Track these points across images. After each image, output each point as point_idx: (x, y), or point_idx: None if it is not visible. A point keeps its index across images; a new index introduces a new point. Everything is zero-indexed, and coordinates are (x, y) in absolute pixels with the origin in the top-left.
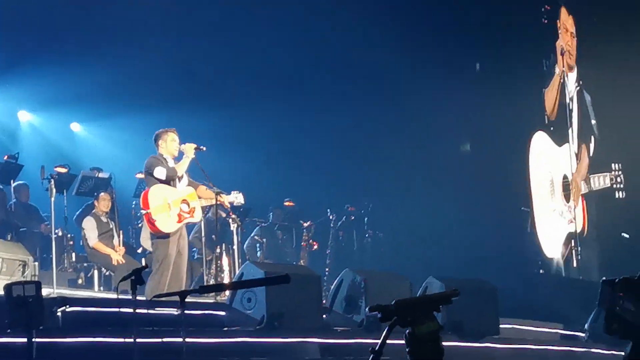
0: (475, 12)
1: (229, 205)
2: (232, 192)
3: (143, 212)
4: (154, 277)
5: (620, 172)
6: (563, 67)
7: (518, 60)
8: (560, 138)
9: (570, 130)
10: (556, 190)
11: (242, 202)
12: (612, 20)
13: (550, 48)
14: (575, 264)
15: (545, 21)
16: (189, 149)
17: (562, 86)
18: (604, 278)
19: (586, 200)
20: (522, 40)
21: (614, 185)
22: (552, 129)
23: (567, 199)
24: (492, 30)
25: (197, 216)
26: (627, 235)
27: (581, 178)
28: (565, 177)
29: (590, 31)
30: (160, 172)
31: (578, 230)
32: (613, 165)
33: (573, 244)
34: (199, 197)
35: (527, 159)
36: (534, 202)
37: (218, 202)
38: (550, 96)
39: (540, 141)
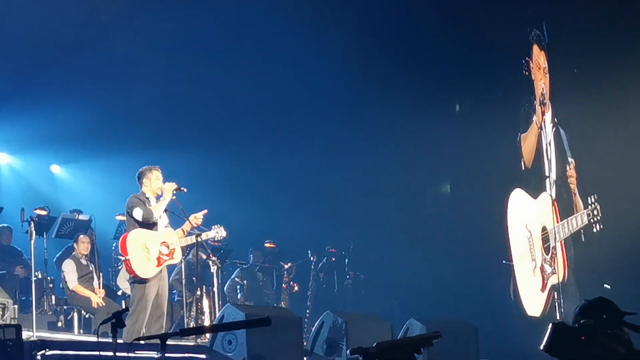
0: (456, 53)
1: (216, 237)
2: (213, 227)
3: (121, 258)
4: (130, 318)
5: (596, 204)
6: (543, 115)
7: (497, 107)
8: (537, 189)
9: (547, 179)
10: (536, 246)
11: (224, 235)
12: (584, 50)
13: (529, 99)
14: (558, 317)
15: (526, 73)
16: (168, 190)
17: (540, 135)
18: (554, 322)
19: (564, 242)
20: (502, 87)
21: (591, 220)
22: (528, 180)
23: (547, 251)
24: (472, 73)
25: (177, 257)
26: (608, 287)
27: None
28: (544, 228)
29: (562, 64)
30: (137, 213)
31: (560, 280)
32: (589, 198)
33: (556, 296)
34: (183, 233)
35: (505, 212)
36: (515, 267)
37: (198, 241)
38: (527, 143)
39: (516, 200)
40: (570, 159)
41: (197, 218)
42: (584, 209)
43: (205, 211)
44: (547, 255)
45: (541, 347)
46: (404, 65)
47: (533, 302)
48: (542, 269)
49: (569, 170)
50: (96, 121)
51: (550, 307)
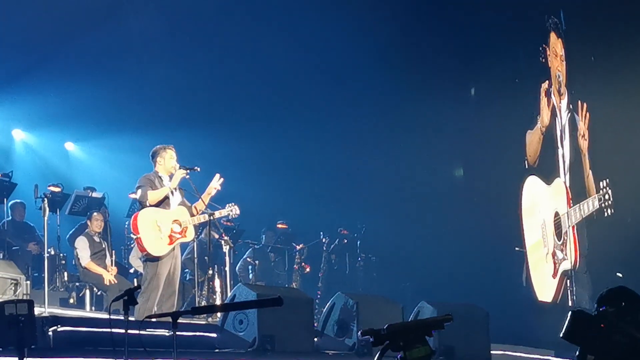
0: (472, 38)
1: (230, 215)
2: (227, 205)
3: (133, 236)
4: (142, 296)
5: (607, 188)
6: (559, 102)
7: (513, 92)
8: (550, 174)
9: (562, 163)
10: (548, 232)
11: (238, 213)
12: (601, 37)
13: (538, 91)
14: (570, 304)
15: (543, 60)
16: (176, 178)
17: (546, 135)
18: (574, 309)
19: (576, 228)
20: (519, 73)
21: (603, 204)
22: (542, 166)
23: (559, 236)
24: (489, 58)
25: (190, 235)
26: (620, 275)
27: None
28: (556, 214)
29: (579, 51)
30: (137, 193)
31: (572, 266)
32: (600, 183)
33: (568, 284)
34: (197, 211)
35: (519, 198)
36: (527, 253)
37: (211, 220)
38: (532, 141)
39: (530, 186)
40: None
41: (215, 188)
42: (596, 193)
43: (219, 176)
44: (559, 241)
45: (561, 335)
46: (420, 49)
47: (544, 287)
48: (553, 255)
49: (581, 137)
50: (111, 99)
51: (562, 294)
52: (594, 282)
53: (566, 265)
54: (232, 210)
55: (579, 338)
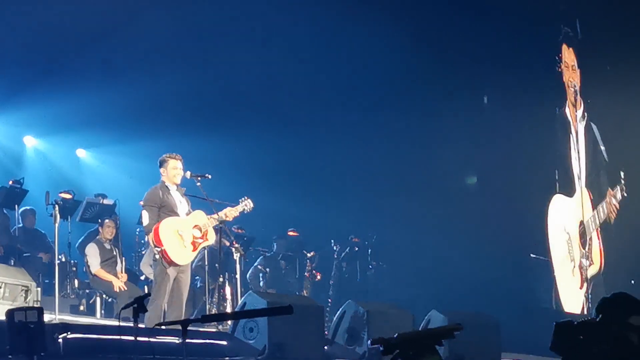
0: (486, 46)
1: (245, 210)
2: (240, 200)
3: (157, 249)
4: (152, 303)
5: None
6: (575, 111)
7: (527, 101)
8: (569, 187)
9: (577, 172)
10: (574, 244)
11: (252, 206)
12: (618, 45)
13: (561, 98)
14: (591, 312)
15: (560, 70)
16: None
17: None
18: (556, 321)
19: (600, 231)
20: (533, 81)
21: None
22: (560, 185)
23: (584, 244)
24: (502, 66)
25: (211, 238)
26: (634, 282)
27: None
28: (581, 222)
29: (595, 60)
30: (144, 218)
31: (597, 271)
32: (609, 190)
33: (590, 290)
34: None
35: (545, 219)
36: (555, 270)
37: (222, 227)
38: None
39: (556, 205)
40: (602, 147)
41: (230, 214)
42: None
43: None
44: (585, 249)
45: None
46: (432, 56)
47: (573, 300)
48: (580, 265)
49: (609, 194)
50: (122, 105)
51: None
52: (609, 289)
53: (592, 271)
54: (246, 205)
55: (561, 350)
